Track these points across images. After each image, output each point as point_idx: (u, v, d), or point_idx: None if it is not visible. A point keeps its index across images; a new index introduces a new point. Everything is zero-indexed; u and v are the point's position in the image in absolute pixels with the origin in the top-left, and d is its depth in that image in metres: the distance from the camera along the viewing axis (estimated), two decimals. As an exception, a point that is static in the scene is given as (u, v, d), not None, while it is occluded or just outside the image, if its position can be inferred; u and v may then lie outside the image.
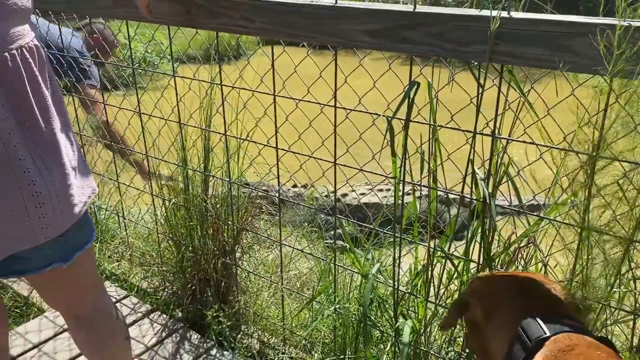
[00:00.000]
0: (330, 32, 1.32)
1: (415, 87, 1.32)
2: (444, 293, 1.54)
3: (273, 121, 1.68)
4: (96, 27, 2.96)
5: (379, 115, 1.41)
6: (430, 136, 1.36)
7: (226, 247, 2.01)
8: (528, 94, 1.21)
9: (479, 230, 1.34)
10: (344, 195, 3.57)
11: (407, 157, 1.39)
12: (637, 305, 1.19)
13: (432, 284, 1.52)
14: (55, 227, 1.10)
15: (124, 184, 2.36)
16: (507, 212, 1.35)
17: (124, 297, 2.23)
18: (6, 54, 0.99)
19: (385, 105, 1.45)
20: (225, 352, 1.94)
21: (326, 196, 3.56)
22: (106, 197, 2.64)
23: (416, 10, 1.20)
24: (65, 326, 2.03)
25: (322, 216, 3.32)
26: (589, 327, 1.19)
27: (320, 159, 1.62)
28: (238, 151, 1.90)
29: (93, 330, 1.36)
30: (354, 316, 1.73)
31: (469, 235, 1.39)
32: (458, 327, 1.48)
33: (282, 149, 1.69)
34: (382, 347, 1.75)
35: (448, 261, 1.47)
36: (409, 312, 1.63)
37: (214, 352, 1.94)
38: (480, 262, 1.37)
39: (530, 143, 1.23)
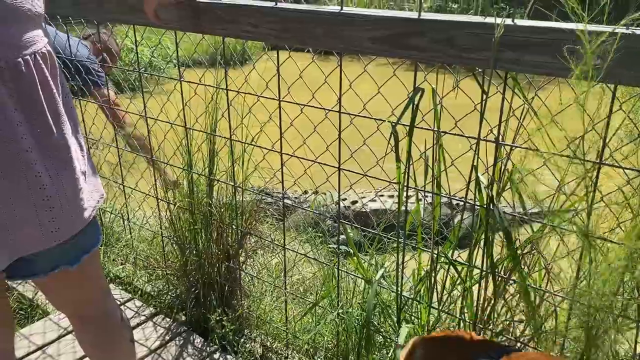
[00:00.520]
0: (336, 38, 1.33)
1: (420, 93, 1.32)
2: (447, 299, 1.55)
3: (278, 126, 1.69)
4: (101, 37, 2.98)
5: (384, 121, 1.42)
6: (435, 142, 1.37)
7: (230, 251, 2.02)
8: (532, 100, 1.21)
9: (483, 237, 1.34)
10: (354, 202, 3.55)
11: (411, 162, 1.40)
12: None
13: (435, 290, 1.53)
14: (64, 231, 1.11)
15: (129, 187, 2.37)
16: (511, 218, 1.35)
17: (128, 300, 2.24)
18: (20, 59, 1.01)
19: (389, 111, 1.46)
20: (228, 356, 1.94)
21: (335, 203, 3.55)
22: (111, 200, 2.65)
23: (421, 17, 1.21)
24: (70, 328, 2.04)
25: (328, 222, 3.32)
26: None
27: (325, 164, 1.63)
28: (243, 155, 1.91)
29: (98, 332, 1.37)
30: (357, 321, 1.73)
31: (473, 242, 1.39)
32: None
33: (287, 154, 1.70)
34: (385, 352, 1.75)
35: (452, 267, 1.47)
36: (412, 317, 1.63)
37: (217, 356, 1.95)
38: (484, 269, 1.37)
39: (534, 150, 1.23)
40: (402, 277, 1.55)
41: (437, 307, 1.53)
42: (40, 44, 1.06)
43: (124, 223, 2.58)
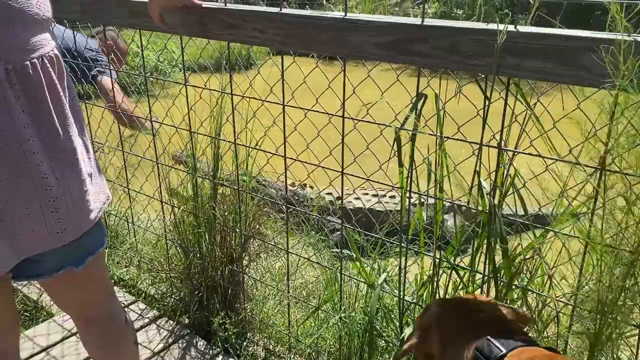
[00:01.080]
0: (340, 43, 1.34)
1: (423, 98, 1.33)
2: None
3: (282, 130, 1.70)
4: (109, 35, 3.02)
5: (387, 125, 1.43)
6: (437, 147, 1.38)
7: (234, 254, 2.03)
8: (534, 106, 1.22)
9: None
10: (358, 208, 3.55)
11: (414, 167, 1.40)
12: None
13: (437, 295, 1.53)
14: (70, 232, 1.12)
15: (134, 190, 2.39)
16: (513, 223, 1.36)
17: (132, 303, 2.25)
18: (27, 62, 1.02)
19: (392, 116, 1.47)
20: (230, 359, 1.95)
21: (337, 198, 3.54)
22: (116, 203, 2.67)
23: (424, 23, 1.22)
24: (74, 330, 2.05)
25: (330, 221, 3.32)
26: (538, 341, 1.22)
27: (328, 168, 1.64)
28: (247, 159, 1.92)
29: (102, 334, 1.37)
30: (359, 325, 1.73)
31: (475, 247, 1.39)
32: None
33: (290, 158, 1.71)
34: (388, 356, 1.75)
35: (454, 272, 1.47)
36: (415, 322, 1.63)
37: (219, 358, 1.95)
38: (486, 274, 1.38)
39: (537, 155, 1.24)
40: (405, 282, 1.56)
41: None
42: (47, 47, 1.07)
43: (128, 226, 2.60)
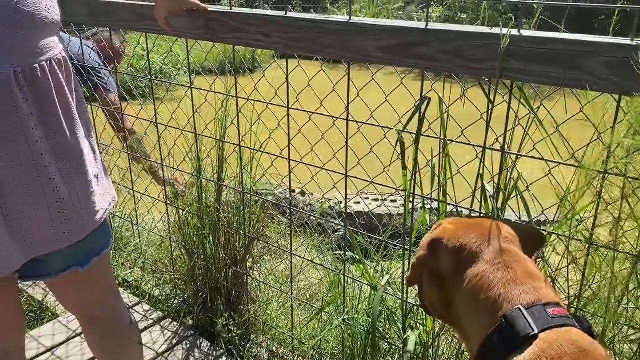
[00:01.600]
0: (344, 47, 1.35)
1: (427, 102, 1.34)
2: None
3: (286, 133, 1.71)
4: (103, 36, 3.01)
5: (390, 128, 1.44)
6: (441, 150, 1.38)
7: (237, 256, 2.04)
8: (538, 110, 1.22)
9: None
10: (358, 212, 3.56)
11: (417, 170, 1.41)
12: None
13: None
14: (76, 233, 1.13)
15: (138, 192, 2.40)
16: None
17: (136, 304, 2.26)
18: (36, 65, 1.04)
19: (396, 119, 1.47)
20: (234, 361, 1.96)
21: (340, 202, 3.55)
22: (121, 205, 2.68)
23: (428, 27, 1.22)
24: (78, 331, 2.06)
25: (331, 222, 3.33)
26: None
27: (332, 171, 1.65)
28: (251, 162, 1.93)
29: (107, 334, 1.38)
30: (362, 328, 1.74)
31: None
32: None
33: (295, 161, 1.72)
34: (390, 359, 1.75)
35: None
36: (418, 324, 1.64)
37: (223, 360, 1.96)
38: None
39: (540, 159, 1.24)
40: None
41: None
42: (56, 50, 1.09)
43: (133, 228, 2.61)
